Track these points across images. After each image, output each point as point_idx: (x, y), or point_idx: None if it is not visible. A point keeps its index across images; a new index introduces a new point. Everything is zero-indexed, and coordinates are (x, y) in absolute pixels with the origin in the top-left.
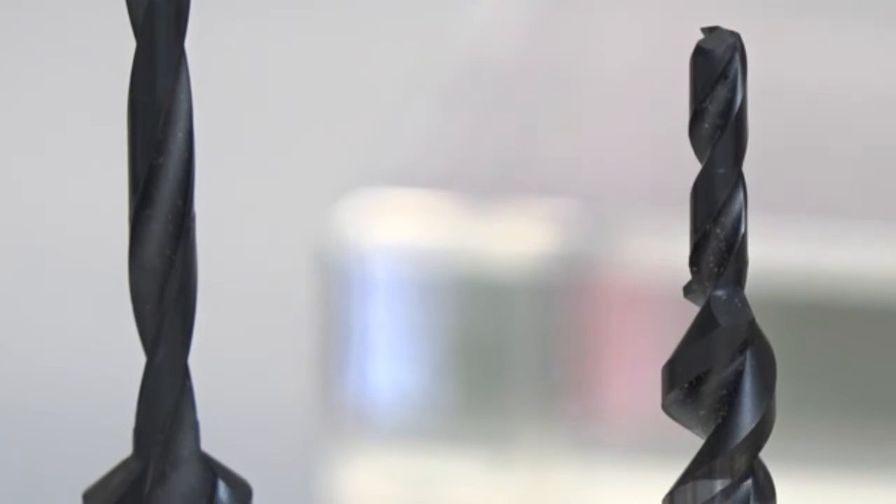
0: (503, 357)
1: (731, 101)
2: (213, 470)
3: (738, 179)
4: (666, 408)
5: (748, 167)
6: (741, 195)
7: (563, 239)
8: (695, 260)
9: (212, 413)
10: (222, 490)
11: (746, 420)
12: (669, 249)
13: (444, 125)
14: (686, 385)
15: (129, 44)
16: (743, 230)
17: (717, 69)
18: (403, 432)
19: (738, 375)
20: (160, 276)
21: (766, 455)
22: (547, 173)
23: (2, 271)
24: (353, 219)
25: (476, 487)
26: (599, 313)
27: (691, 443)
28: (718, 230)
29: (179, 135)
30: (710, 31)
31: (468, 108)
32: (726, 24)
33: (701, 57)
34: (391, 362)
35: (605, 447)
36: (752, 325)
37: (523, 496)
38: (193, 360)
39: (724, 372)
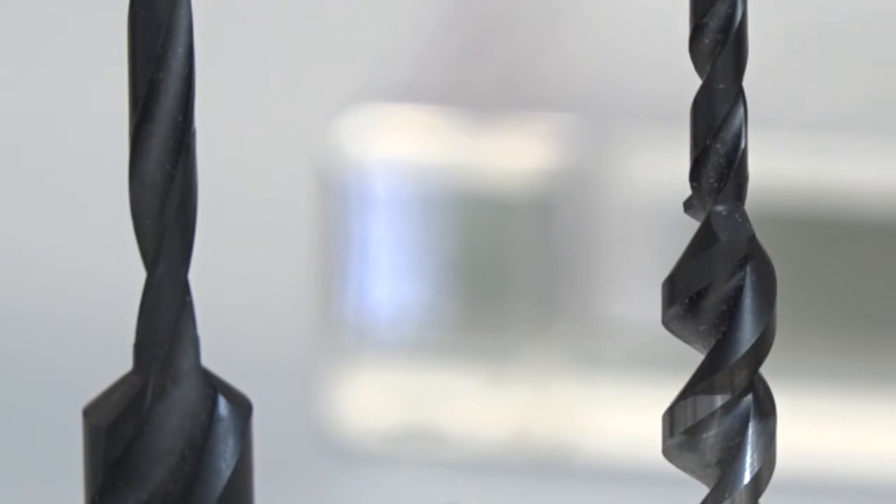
0: (503, 272)
1: (732, 16)
2: (213, 385)
3: (739, 95)
4: (666, 323)
5: (748, 82)
6: (741, 110)
7: (562, 154)
8: (695, 175)
9: (212, 328)
10: (222, 405)
11: (746, 335)
12: (669, 165)
13: (444, 41)
14: (686, 300)
15: None
16: (743, 145)
17: None
18: (403, 347)
19: (739, 290)
20: (160, 192)
21: (765, 370)
22: (547, 89)
23: (1, 187)
24: (354, 135)
25: (476, 402)
26: (599, 228)
27: (692, 358)
28: (718, 145)
29: (179, 50)
30: None
31: (468, 24)
32: None
33: None
34: (391, 278)
35: (605, 362)
36: (753, 241)
37: (523, 411)
38: (193, 276)
39: (724, 287)
